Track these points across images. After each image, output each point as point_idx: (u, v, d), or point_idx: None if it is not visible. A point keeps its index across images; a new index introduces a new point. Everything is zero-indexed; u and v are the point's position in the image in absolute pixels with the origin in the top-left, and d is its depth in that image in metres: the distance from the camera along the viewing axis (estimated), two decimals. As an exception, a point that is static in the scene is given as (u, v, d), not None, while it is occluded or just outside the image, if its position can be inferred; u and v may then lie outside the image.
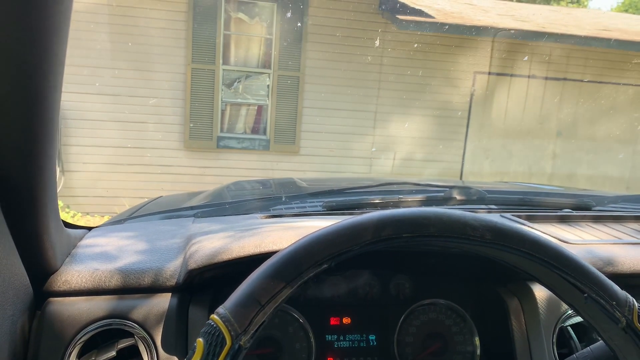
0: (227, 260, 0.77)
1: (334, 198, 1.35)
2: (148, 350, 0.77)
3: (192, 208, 1.36)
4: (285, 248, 0.56)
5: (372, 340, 0.94)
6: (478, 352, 0.94)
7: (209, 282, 0.82)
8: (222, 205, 1.29)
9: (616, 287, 0.59)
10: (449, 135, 6.76)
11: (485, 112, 6.84)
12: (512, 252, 0.59)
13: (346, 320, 0.94)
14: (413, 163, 6.59)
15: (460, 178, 6.75)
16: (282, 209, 1.31)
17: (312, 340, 0.91)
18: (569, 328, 0.89)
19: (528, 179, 6.86)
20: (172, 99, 6.07)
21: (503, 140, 6.90)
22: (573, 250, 0.97)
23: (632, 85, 7.13)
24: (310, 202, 1.38)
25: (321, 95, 6.38)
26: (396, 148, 6.61)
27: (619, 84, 7.08)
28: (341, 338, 0.93)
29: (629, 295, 0.59)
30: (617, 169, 7.28)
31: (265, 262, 0.55)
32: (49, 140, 0.64)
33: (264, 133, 6.31)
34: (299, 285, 0.54)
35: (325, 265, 0.55)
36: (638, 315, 0.57)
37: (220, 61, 6.11)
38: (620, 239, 1.07)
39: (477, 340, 0.95)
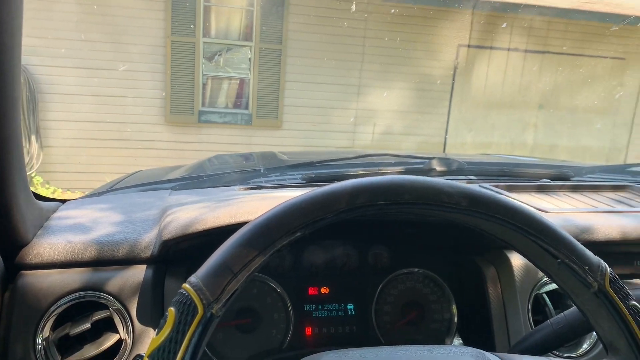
0: (202, 231, 0.76)
1: (314, 170, 1.34)
2: (123, 322, 0.76)
3: (169, 181, 1.34)
4: (259, 216, 0.55)
5: (350, 309, 0.94)
6: (455, 319, 0.95)
7: (184, 253, 0.81)
8: (199, 178, 1.28)
9: (589, 253, 0.59)
10: (432, 109, 6.76)
11: (468, 84, 6.84)
12: (487, 219, 0.59)
13: (324, 290, 0.94)
14: (396, 137, 6.59)
15: (444, 151, 6.78)
16: (261, 181, 1.30)
17: (291, 310, 0.91)
18: (544, 295, 0.90)
19: (510, 151, 6.91)
20: (152, 73, 5.97)
21: (485, 112, 6.93)
22: (550, 219, 0.98)
23: (611, 57, 7.17)
24: (290, 175, 1.37)
25: (304, 69, 6.31)
26: (379, 121, 6.60)
27: (600, 56, 7.12)
28: (319, 308, 0.93)
29: (602, 261, 0.59)
30: (596, 141, 7.36)
31: (239, 230, 0.55)
32: (11, 111, 0.62)
33: (246, 107, 6.25)
34: (272, 253, 0.54)
35: (299, 234, 0.55)
36: (610, 280, 0.58)
37: (201, 34, 6.00)
38: (596, 207, 1.08)
39: (454, 308, 0.96)
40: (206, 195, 1.02)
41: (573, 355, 0.87)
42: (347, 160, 1.44)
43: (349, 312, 0.94)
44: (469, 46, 6.72)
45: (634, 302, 0.58)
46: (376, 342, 0.92)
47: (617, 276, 0.59)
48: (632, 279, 1.00)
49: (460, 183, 0.59)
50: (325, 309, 0.93)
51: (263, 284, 0.91)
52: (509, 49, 6.87)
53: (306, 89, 6.35)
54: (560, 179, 1.32)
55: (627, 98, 7.40)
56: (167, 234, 0.77)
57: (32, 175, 5.47)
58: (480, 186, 1.22)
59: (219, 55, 6.17)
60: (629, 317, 0.57)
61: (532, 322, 0.87)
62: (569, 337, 0.73)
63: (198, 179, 1.27)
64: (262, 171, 1.27)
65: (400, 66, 6.54)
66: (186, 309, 0.49)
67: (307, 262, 0.94)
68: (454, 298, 0.96)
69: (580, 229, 0.94)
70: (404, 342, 0.92)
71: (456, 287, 0.96)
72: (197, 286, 0.50)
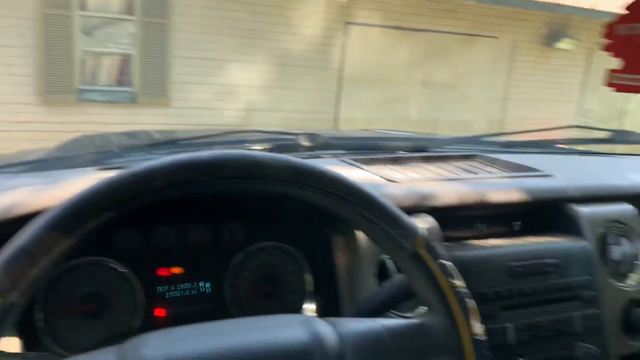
0: (22, 215, 0.71)
1: (177, 149, 1.30)
2: None
3: (20, 164, 1.25)
4: (68, 197, 0.53)
5: (205, 287, 0.94)
6: (309, 288, 0.98)
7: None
8: (49, 160, 1.20)
9: (405, 218, 0.63)
10: (323, 86, 6.85)
11: (356, 62, 7.00)
12: (310, 190, 0.60)
13: (177, 270, 0.92)
14: (288, 114, 6.61)
15: (335, 127, 6.92)
16: (121, 161, 1.25)
17: (140, 292, 0.89)
18: (388, 261, 0.95)
19: (397, 126, 7.20)
20: (22, 48, 5.49)
21: (372, 89, 7.14)
22: (397, 188, 1.03)
23: (487, 37, 7.65)
24: (154, 154, 1.32)
25: (192, 44, 6.11)
26: (271, 98, 6.58)
27: (477, 35, 7.57)
28: (172, 288, 0.92)
29: (418, 226, 0.63)
30: (474, 115, 7.87)
31: (43, 213, 0.52)
32: None
33: (130, 85, 5.95)
34: (80, 236, 0.51)
35: (110, 213, 0.53)
36: (422, 243, 0.62)
37: (77, 6, 5.60)
38: (442, 175, 1.16)
39: (308, 278, 0.98)
40: (47, 177, 0.96)
41: (412, 315, 0.93)
42: (213, 137, 1.42)
43: (204, 290, 0.94)
44: (354, 23, 6.85)
45: (442, 261, 0.63)
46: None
47: (429, 238, 0.63)
48: (472, 240, 1.09)
49: (282, 155, 0.59)
50: (178, 289, 0.92)
51: (108, 267, 0.88)
52: (395, 27, 7.09)
53: (195, 64, 6.17)
54: (416, 150, 1.39)
55: (500, 75, 7.96)
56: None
57: None
58: (341, 160, 1.26)
59: (98, 29, 5.81)
60: (439, 275, 0.62)
61: (378, 287, 0.92)
62: (400, 298, 0.77)
63: (47, 162, 1.19)
64: (118, 150, 1.22)
65: (290, 43, 6.54)
66: None
67: (158, 242, 0.92)
68: (308, 268, 0.98)
69: (422, 196, 1.00)
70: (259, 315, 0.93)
71: (309, 258, 0.99)
72: None
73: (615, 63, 1.52)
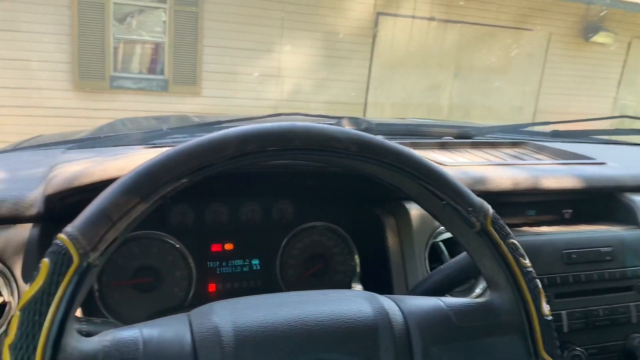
0: (88, 184, 0.72)
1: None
2: (7, 283, 0.72)
3: (66, 142, 1.27)
4: (142, 163, 0.53)
5: (255, 264, 0.94)
6: (358, 269, 0.98)
7: (73, 210, 0.77)
8: (97, 139, 1.21)
9: (473, 195, 0.61)
10: (353, 75, 6.82)
11: (387, 51, 6.94)
12: (376, 164, 0.59)
13: (228, 247, 0.93)
14: (319, 103, 6.60)
15: (364, 114, 6.88)
16: (166, 141, 1.26)
17: (193, 267, 0.89)
18: (440, 243, 0.93)
19: (427, 115, 7.14)
20: (58, 35, 5.58)
21: (403, 77, 7.08)
22: (447, 170, 1.02)
23: (521, 29, 7.51)
24: (198, 135, 1.33)
25: (223, 33, 6.13)
26: (301, 87, 6.58)
27: (511, 27, 7.43)
28: (223, 264, 0.92)
29: (485, 203, 0.62)
30: (505, 107, 7.76)
31: (120, 178, 0.52)
32: None
33: (162, 73, 6.01)
34: (156, 201, 0.51)
35: (185, 180, 0.53)
36: (491, 220, 0.61)
37: (110, -7, 5.66)
38: (491, 161, 1.14)
39: (356, 258, 0.98)
40: (101, 153, 0.97)
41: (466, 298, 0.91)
42: (259, 119, 1.42)
43: (254, 267, 0.94)
44: (386, 14, 6.79)
45: (512, 240, 0.61)
46: None
47: (498, 217, 0.62)
48: (523, 227, 1.07)
49: (352, 129, 0.59)
50: (229, 265, 0.93)
51: (163, 242, 0.88)
52: (429, 19, 7.01)
53: (226, 54, 6.18)
54: (463, 137, 1.37)
55: (534, 68, 7.81)
56: (50, 189, 0.73)
57: None
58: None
59: (131, 17, 5.87)
60: (508, 254, 0.61)
61: (429, 269, 0.91)
62: (460, 279, 0.76)
63: (96, 140, 1.20)
64: (165, 130, 1.22)
65: (322, 33, 6.52)
66: (60, 259, 0.47)
67: (211, 219, 0.93)
68: (357, 248, 0.98)
69: (475, 180, 0.98)
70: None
71: (358, 238, 0.98)
72: (72, 235, 0.48)
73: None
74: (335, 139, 0.57)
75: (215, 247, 0.92)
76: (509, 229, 0.62)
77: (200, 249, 0.91)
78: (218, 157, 0.54)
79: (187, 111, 6.02)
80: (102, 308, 0.84)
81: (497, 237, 0.61)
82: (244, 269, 0.93)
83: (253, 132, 0.55)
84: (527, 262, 0.61)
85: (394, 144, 0.60)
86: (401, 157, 0.59)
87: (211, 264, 0.92)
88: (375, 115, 6.89)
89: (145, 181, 0.51)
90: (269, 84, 6.45)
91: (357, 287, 0.98)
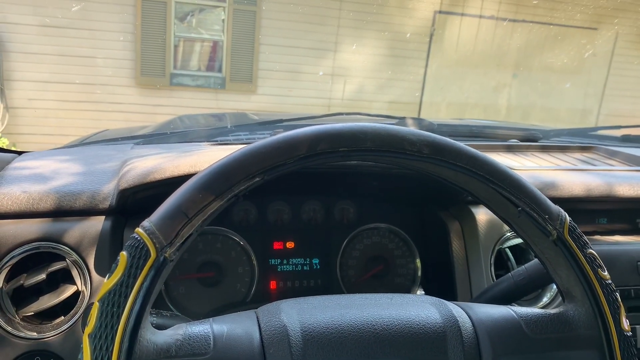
0: (160, 180, 0.74)
1: (284, 129, 1.32)
2: (80, 274, 0.75)
3: (134, 137, 1.31)
4: (217, 161, 0.53)
5: (315, 264, 0.94)
6: (419, 273, 0.96)
7: (144, 204, 0.79)
8: (164, 134, 1.24)
9: (549, 202, 0.59)
10: (409, 74, 6.73)
11: (444, 50, 6.82)
12: (449, 167, 0.58)
13: (290, 245, 0.93)
14: (373, 102, 6.56)
15: (418, 114, 6.79)
16: (229, 138, 1.28)
17: (255, 264, 0.90)
18: (507, 250, 0.91)
19: (485, 116, 6.97)
20: (122, 33, 5.78)
21: (460, 77, 6.94)
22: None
23: (584, 28, 7.21)
24: (260, 133, 1.35)
25: (279, 32, 6.19)
26: (356, 87, 6.55)
27: (573, 26, 7.15)
28: (284, 262, 0.93)
29: (562, 210, 0.59)
30: (567, 109, 7.47)
31: (196, 175, 0.53)
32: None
33: (220, 70, 6.12)
34: (229, 198, 0.52)
35: (258, 179, 0.53)
36: (569, 229, 0.58)
37: (173, -7, 5.82)
38: (561, 166, 1.09)
39: (418, 262, 0.96)
40: (169, 149, 0.99)
41: (533, 307, 0.88)
42: (320, 119, 1.42)
43: (314, 267, 0.94)
44: (444, 12, 6.67)
45: (591, 250, 0.58)
46: None
47: (575, 225, 0.59)
48: (594, 235, 1.02)
49: (425, 131, 0.57)
50: (290, 263, 0.93)
51: (227, 237, 0.90)
52: (488, 17, 6.84)
53: (281, 52, 6.24)
54: (529, 140, 1.32)
55: (598, 68, 7.49)
56: (124, 183, 0.75)
57: (-3, 137, 5.31)
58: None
59: (191, 15, 6.01)
60: (586, 265, 0.58)
61: (494, 276, 0.88)
62: (529, 288, 0.74)
63: (163, 135, 1.24)
64: (229, 128, 1.24)
65: (378, 31, 6.47)
66: (138, 253, 0.48)
67: (273, 217, 0.93)
68: (419, 252, 0.96)
69: (545, 185, 0.95)
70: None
71: (421, 242, 0.96)
72: (149, 230, 0.49)
73: None
74: (407, 140, 0.56)
75: (277, 245, 0.93)
76: (586, 239, 0.59)
77: (262, 246, 0.92)
78: (291, 156, 0.54)
79: (242, 109, 6.12)
80: (167, 300, 0.86)
81: (575, 246, 0.58)
82: (305, 267, 0.93)
83: (325, 132, 0.55)
84: (606, 274, 0.58)
85: (468, 147, 0.58)
86: (476, 161, 0.58)
87: (272, 262, 0.92)
88: (430, 115, 6.77)
89: (221, 179, 0.52)
90: (323, 83, 6.46)
91: (419, 291, 0.96)
